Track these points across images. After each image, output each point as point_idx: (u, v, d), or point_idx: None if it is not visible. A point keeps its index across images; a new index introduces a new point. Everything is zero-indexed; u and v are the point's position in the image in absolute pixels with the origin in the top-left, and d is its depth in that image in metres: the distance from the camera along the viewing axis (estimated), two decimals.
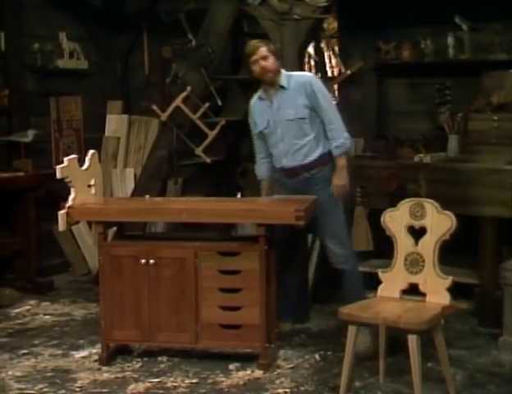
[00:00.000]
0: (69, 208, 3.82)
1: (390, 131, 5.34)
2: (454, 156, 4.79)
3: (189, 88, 5.24)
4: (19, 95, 5.55)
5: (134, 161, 6.15)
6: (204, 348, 3.92)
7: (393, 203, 3.56)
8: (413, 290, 3.41)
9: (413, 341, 3.11)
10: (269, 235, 3.72)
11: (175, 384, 3.61)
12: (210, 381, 3.64)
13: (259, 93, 4.14)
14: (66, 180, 3.83)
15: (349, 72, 5.44)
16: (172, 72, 6.04)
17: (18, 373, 3.80)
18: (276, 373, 3.73)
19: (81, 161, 3.99)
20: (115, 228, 4.11)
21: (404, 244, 3.42)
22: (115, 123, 6.20)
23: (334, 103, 4.20)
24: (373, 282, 3.56)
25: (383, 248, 3.92)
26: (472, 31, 4.91)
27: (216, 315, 3.77)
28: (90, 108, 6.16)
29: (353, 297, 3.93)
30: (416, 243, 3.40)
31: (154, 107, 5.41)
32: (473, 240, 4.29)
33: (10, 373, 3.81)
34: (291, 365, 3.82)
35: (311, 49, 5.84)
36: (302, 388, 3.54)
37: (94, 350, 4.06)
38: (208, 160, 5.38)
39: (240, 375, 3.70)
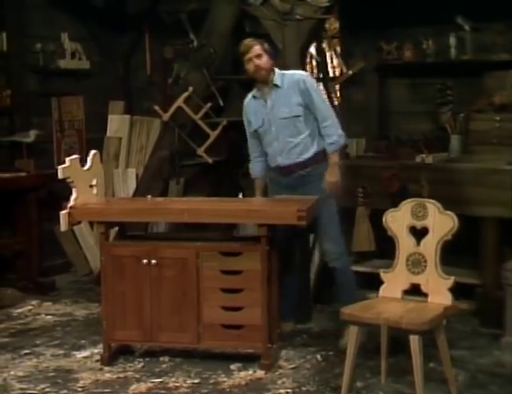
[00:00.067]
0: (71, 208, 3.82)
1: (391, 131, 5.34)
2: (456, 156, 4.79)
3: (190, 88, 5.24)
4: (21, 95, 5.56)
5: (135, 161, 6.15)
6: (206, 348, 3.92)
7: (395, 204, 3.55)
8: (414, 291, 3.41)
9: (414, 341, 3.11)
10: (271, 235, 3.72)
11: (176, 384, 3.61)
12: (212, 381, 3.64)
13: (253, 92, 4.16)
14: (68, 180, 3.83)
15: (350, 72, 5.45)
16: (174, 72, 6.05)
17: (20, 373, 3.80)
18: (277, 373, 3.73)
19: (83, 161, 3.99)
20: (117, 228, 4.11)
21: (405, 244, 3.42)
22: (117, 123, 6.20)
23: (327, 99, 4.19)
24: (375, 283, 3.55)
25: (385, 248, 3.92)
26: (474, 31, 4.91)
27: (217, 315, 3.77)
28: (92, 108, 6.16)
29: (345, 295, 3.96)
30: (418, 243, 3.40)
31: (156, 108, 5.41)
32: (475, 240, 4.29)
33: (12, 373, 3.81)
34: (293, 365, 3.82)
35: (313, 49, 5.84)
36: (304, 388, 3.54)
37: (96, 350, 4.06)
38: (210, 160, 5.38)
39: (242, 375, 3.70)
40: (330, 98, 6.01)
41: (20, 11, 5.59)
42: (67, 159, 3.86)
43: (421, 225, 3.39)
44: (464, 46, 4.96)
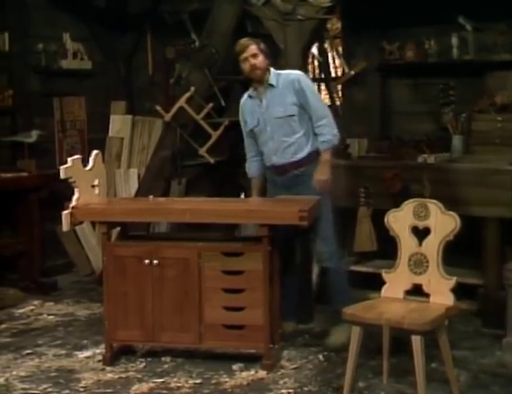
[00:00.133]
0: (73, 208, 3.83)
1: (393, 132, 5.34)
2: (458, 156, 4.78)
3: (192, 88, 5.24)
4: (23, 95, 5.56)
5: (137, 161, 6.16)
6: (208, 348, 3.92)
7: (397, 204, 3.55)
8: (416, 291, 3.40)
9: (416, 341, 3.10)
10: (272, 235, 3.72)
11: (178, 384, 3.61)
12: (213, 381, 3.64)
13: (249, 91, 4.18)
14: (70, 180, 3.83)
15: (352, 72, 5.44)
16: (176, 73, 6.05)
17: (22, 373, 3.80)
18: (279, 373, 3.73)
19: (85, 161, 3.99)
20: (118, 228, 4.11)
21: (407, 244, 3.42)
22: (118, 123, 6.21)
23: (322, 99, 4.19)
24: (377, 283, 3.55)
25: (387, 248, 3.91)
26: (476, 31, 4.91)
27: (219, 315, 3.77)
28: (94, 109, 6.17)
29: (338, 295, 3.98)
30: (420, 243, 3.39)
31: (158, 108, 5.42)
32: (477, 240, 4.28)
33: (14, 373, 3.81)
34: (295, 366, 3.82)
35: (315, 50, 5.84)
36: (305, 389, 3.53)
37: (98, 351, 4.06)
38: (212, 160, 5.38)
39: (244, 375, 3.70)
40: (332, 98, 6.02)
41: (22, 11, 5.59)
42: (69, 159, 3.87)
43: (423, 225, 3.39)
44: (465, 46, 4.95)
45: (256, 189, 4.30)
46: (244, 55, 4.00)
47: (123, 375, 3.75)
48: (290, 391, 3.51)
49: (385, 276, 3.47)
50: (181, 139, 5.36)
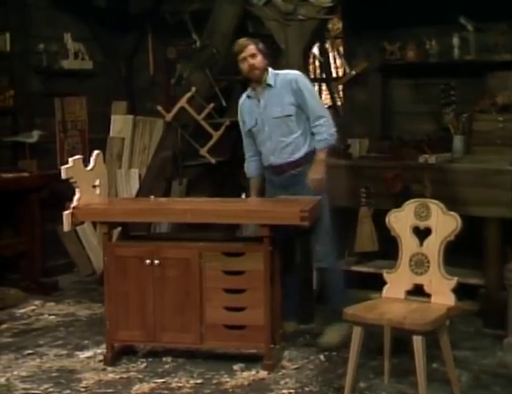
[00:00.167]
0: (74, 208, 3.83)
1: (394, 132, 5.33)
2: (459, 157, 4.78)
3: (193, 88, 5.24)
4: (24, 96, 5.57)
5: (138, 161, 6.16)
6: (209, 348, 3.92)
7: (398, 204, 3.55)
8: (417, 291, 3.40)
9: (417, 341, 3.10)
10: (273, 235, 3.72)
11: (179, 385, 3.61)
12: (215, 381, 3.64)
13: (248, 91, 4.19)
14: (71, 180, 3.83)
15: (353, 73, 5.44)
16: (177, 73, 6.05)
17: (23, 373, 3.81)
18: (280, 373, 3.73)
19: (86, 161, 4.00)
20: (119, 229, 4.11)
21: (408, 244, 3.41)
22: (119, 124, 6.21)
23: (320, 98, 4.20)
24: (378, 283, 3.55)
25: (388, 248, 3.91)
26: (477, 32, 4.91)
27: (220, 316, 3.77)
28: (95, 109, 6.17)
29: (333, 296, 3.98)
30: (421, 244, 3.39)
31: (159, 108, 5.42)
32: (478, 241, 4.28)
33: (15, 373, 3.82)
34: (296, 366, 3.82)
35: (316, 50, 5.84)
36: (307, 389, 3.53)
37: (99, 351, 4.07)
38: (213, 161, 5.39)
39: (245, 376, 3.70)
40: (333, 98, 6.02)
41: (23, 11, 5.60)
42: (70, 159, 3.87)
43: (424, 225, 3.39)
44: (467, 46, 4.95)
45: (254, 189, 4.32)
46: (243, 55, 4.01)
47: (124, 375, 3.75)
48: (291, 391, 3.51)
49: (386, 276, 3.46)
50: (182, 139, 5.36)
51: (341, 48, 5.83)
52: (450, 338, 3.33)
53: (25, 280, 5.34)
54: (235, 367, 3.79)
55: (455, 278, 3.31)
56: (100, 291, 4.63)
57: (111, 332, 3.89)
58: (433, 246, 3.35)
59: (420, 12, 4.87)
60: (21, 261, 5.38)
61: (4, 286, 5.12)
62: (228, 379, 3.66)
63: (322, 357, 3.92)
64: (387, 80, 5.42)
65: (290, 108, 4.02)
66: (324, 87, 6.36)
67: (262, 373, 3.71)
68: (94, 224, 5.59)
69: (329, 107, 6.43)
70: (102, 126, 6.15)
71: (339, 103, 5.90)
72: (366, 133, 5.36)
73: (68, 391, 3.58)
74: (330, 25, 5.72)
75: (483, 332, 4.24)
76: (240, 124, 4.25)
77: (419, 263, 3.38)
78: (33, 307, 5.00)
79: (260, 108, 4.10)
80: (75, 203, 3.84)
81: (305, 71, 4.90)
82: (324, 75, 6.06)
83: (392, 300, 3.41)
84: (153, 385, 3.62)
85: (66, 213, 3.82)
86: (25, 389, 3.61)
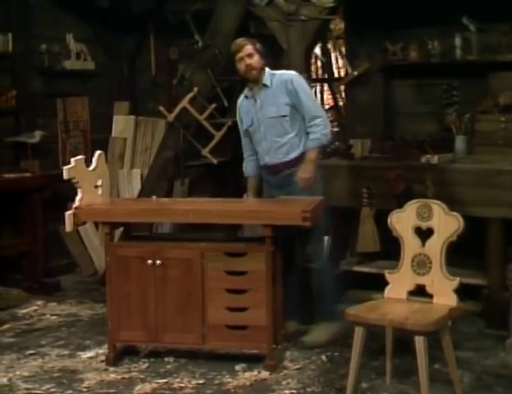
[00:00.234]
0: (76, 208, 3.83)
1: (396, 132, 5.33)
2: (461, 157, 4.77)
3: (195, 89, 5.25)
4: (26, 96, 5.57)
5: (140, 162, 6.16)
6: (211, 349, 3.92)
7: (400, 204, 3.55)
8: (420, 292, 3.40)
9: (420, 342, 3.10)
10: (275, 235, 3.72)
11: (181, 385, 3.61)
12: (216, 382, 3.64)
13: (245, 91, 4.20)
14: (73, 180, 3.84)
15: (355, 73, 5.43)
16: (179, 73, 6.05)
17: (25, 373, 3.81)
18: (282, 374, 3.73)
19: (88, 162, 4.00)
20: (121, 229, 4.11)
21: (411, 245, 3.41)
22: (122, 124, 6.21)
23: (316, 99, 4.19)
24: (380, 283, 3.55)
25: (390, 249, 3.91)
26: (479, 32, 4.90)
27: (222, 316, 3.77)
28: (97, 109, 6.18)
29: (323, 296, 3.97)
30: (423, 244, 3.39)
31: (161, 108, 5.42)
32: (480, 241, 4.28)
33: (17, 373, 3.82)
34: (298, 366, 3.82)
35: (318, 50, 5.84)
36: (308, 389, 3.53)
37: (101, 351, 4.07)
38: (215, 161, 5.39)
39: (247, 376, 3.70)
40: (335, 98, 6.02)
41: (26, 12, 5.60)
42: (72, 160, 3.87)
43: (426, 226, 3.39)
44: (469, 46, 4.94)
45: (252, 188, 4.33)
46: (240, 55, 4.02)
47: (126, 375, 3.75)
48: (293, 391, 3.51)
49: (388, 276, 3.46)
50: (184, 139, 5.36)
51: (343, 49, 5.83)
52: (452, 339, 3.33)
53: (27, 280, 5.34)
54: (237, 367, 3.79)
55: (457, 279, 3.30)
56: (102, 291, 4.62)
57: (113, 333, 3.89)
58: (435, 247, 3.34)
59: (422, 13, 4.87)
60: (23, 261, 5.39)
61: (6, 286, 5.12)
62: (230, 379, 3.66)
63: (323, 357, 3.92)
64: (389, 80, 5.42)
65: (285, 109, 4.03)
66: (326, 87, 6.37)
67: (264, 374, 3.71)
68: (96, 224, 5.58)
69: (331, 108, 6.45)
70: (104, 127, 6.16)
71: (341, 104, 5.90)
72: (368, 133, 5.35)
73: (70, 392, 3.58)
74: (332, 26, 5.73)
75: (485, 333, 4.23)
76: (239, 123, 4.28)
77: (421, 264, 3.37)
78: (35, 307, 5.01)
79: (256, 108, 4.11)
80: (77, 203, 3.84)
81: (307, 72, 4.91)
82: (326, 76, 6.07)
83: (394, 300, 3.40)
84: (154, 385, 3.62)
85: (68, 213, 3.82)
86: (27, 389, 3.61)
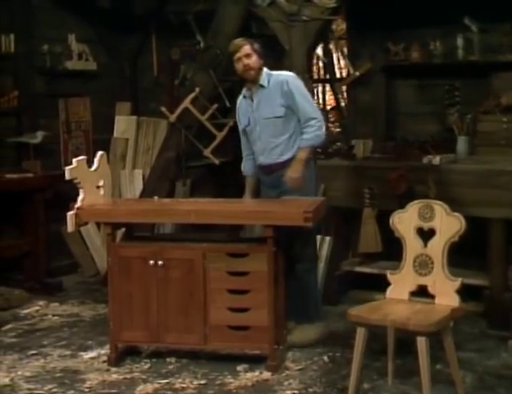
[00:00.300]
0: (78, 209, 3.83)
1: (398, 133, 5.33)
2: (463, 157, 4.77)
3: (197, 89, 5.25)
4: (28, 97, 5.58)
5: (142, 162, 6.16)
6: (213, 349, 3.92)
7: (402, 205, 3.55)
8: (421, 292, 3.40)
9: (421, 342, 3.10)
10: (277, 236, 3.72)
11: (183, 385, 3.61)
12: (218, 382, 3.64)
13: (243, 91, 4.22)
14: (75, 181, 3.84)
15: (357, 73, 5.44)
16: (181, 74, 6.06)
17: (27, 374, 3.81)
18: (284, 374, 3.73)
19: (90, 162, 4.00)
20: (123, 229, 4.12)
21: (412, 245, 3.41)
22: (123, 124, 6.21)
23: (312, 100, 4.18)
24: (382, 284, 3.55)
25: (392, 249, 3.91)
26: (481, 32, 4.90)
27: (224, 316, 3.77)
28: (99, 109, 6.18)
29: (309, 297, 4.00)
30: (425, 245, 3.38)
31: (163, 109, 5.42)
32: (482, 241, 4.28)
33: (19, 373, 3.82)
34: (300, 367, 3.82)
35: (320, 51, 5.84)
36: (310, 390, 3.53)
37: (103, 351, 4.07)
38: (217, 161, 5.39)
39: (249, 376, 3.70)
40: (336, 99, 6.02)
41: (28, 12, 5.61)
42: (74, 160, 3.87)
43: (428, 226, 3.38)
44: (471, 47, 4.94)
45: (249, 187, 4.34)
46: (238, 55, 4.03)
47: (128, 376, 3.75)
48: (295, 392, 3.51)
49: (390, 277, 3.46)
50: (186, 140, 5.36)
51: (345, 49, 5.82)
52: (454, 339, 3.32)
53: (29, 280, 5.34)
54: (239, 368, 3.79)
55: (459, 279, 3.30)
56: (104, 292, 4.62)
57: (114, 333, 3.89)
58: (437, 247, 3.34)
59: (424, 13, 4.87)
60: (25, 261, 5.39)
61: (8, 287, 5.12)
62: (232, 380, 3.66)
63: (325, 358, 3.92)
64: (391, 80, 5.42)
65: (280, 110, 4.04)
66: (328, 88, 6.37)
67: (266, 374, 3.71)
68: (98, 225, 5.59)
69: (333, 108, 6.46)
70: (106, 127, 6.16)
71: (343, 104, 5.90)
72: (370, 134, 5.36)
73: (72, 392, 3.58)
74: (334, 26, 5.73)
75: (487, 334, 4.23)
76: (238, 123, 4.30)
77: (423, 264, 3.37)
78: (37, 307, 5.01)
79: (253, 108, 4.13)
80: (79, 203, 3.85)
81: (309, 72, 4.91)
82: (328, 76, 6.07)
83: (396, 301, 3.40)
84: (156, 386, 3.62)
85: (69, 213, 3.82)
86: (29, 389, 3.62)
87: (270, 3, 4.78)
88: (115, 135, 6.22)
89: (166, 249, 3.84)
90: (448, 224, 3.33)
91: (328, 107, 6.80)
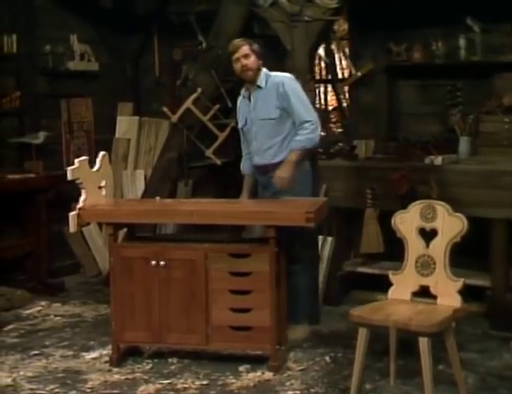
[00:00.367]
0: (80, 209, 3.84)
1: (400, 133, 5.33)
2: (465, 158, 4.77)
3: (199, 89, 5.25)
4: (30, 97, 5.58)
5: (144, 162, 6.17)
6: (215, 350, 3.92)
7: (404, 205, 3.54)
8: (424, 293, 3.40)
9: (424, 343, 3.09)
10: (279, 236, 3.72)
11: (185, 386, 3.61)
12: (220, 382, 3.64)
13: (242, 91, 4.24)
14: (77, 181, 3.84)
15: (359, 74, 5.43)
16: (183, 74, 6.06)
17: (29, 374, 3.82)
18: (286, 375, 3.73)
19: (92, 162, 4.00)
20: (125, 229, 4.12)
21: (415, 246, 3.41)
22: (125, 125, 6.22)
23: (309, 102, 4.18)
24: (384, 285, 3.54)
25: (394, 250, 3.91)
26: (483, 33, 4.89)
27: (226, 317, 3.77)
28: (101, 110, 6.18)
29: (300, 297, 4.00)
30: (427, 245, 3.38)
31: (165, 109, 5.43)
32: (484, 242, 4.27)
33: (21, 373, 3.83)
34: (301, 367, 3.82)
35: (321, 51, 5.84)
36: (312, 390, 3.53)
37: (105, 352, 4.07)
38: (219, 162, 5.39)
39: (250, 377, 3.70)
40: (338, 99, 6.01)
41: (30, 13, 5.61)
42: (76, 161, 3.88)
43: (430, 227, 3.38)
44: (473, 47, 4.94)
45: (247, 186, 4.36)
46: (236, 55, 4.05)
47: (130, 376, 3.75)
48: (297, 392, 3.51)
49: (392, 277, 3.46)
50: (188, 140, 5.37)
51: (347, 50, 5.82)
52: (457, 340, 3.32)
53: (31, 281, 5.35)
54: (241, 368, 3.79)
55: (461, 280, 3.30)
56: (106, 292, 4.63)
57: (116, 333, 3.89)
58: (439, 248, 3.34)
59: (426, 13, 4.86)
60: (28, 262, 5.40)
61: (10, 287, 5.13)
62: (234, 380, 3.66)
63: (327, 358, 3.92)
64: (393, 81, 5.41)
65: (274, 112, 4.05)
66: (330, 88, 6.36)
67: (268, 375, 3.71)
68: (100, 225, 5.60)
69: (334, 109, 6.45)
70: (108, 127, 6.17)
71: (344, 105, 5.89)
72: (372, 134, 5.35)
73: (74, 392, 3.58)
74: (336, 27, 5.72)
75: (490, 334, 4.22)
76: (238, 122, 4.32)
77: (425, 265, 3.37)
78: (39, 308, 5.01)
79: (250, 108, 4.16)
80: (81, 204, 3.85)
81: (311, 73, 4.91)
82: (330, 77, 6.06)
83: (398, 301, 3.40)
84: (158, 386, 3.62)
85: (72, 213, 3.82)
86: (31, 389, 3.62)
87: (272, 4, 4.77)
88: (117, 135, 6.22)
89: (168, 250, 3.84)
90: (450, 224, 3.33)
91: (330, 108, 6.79)
